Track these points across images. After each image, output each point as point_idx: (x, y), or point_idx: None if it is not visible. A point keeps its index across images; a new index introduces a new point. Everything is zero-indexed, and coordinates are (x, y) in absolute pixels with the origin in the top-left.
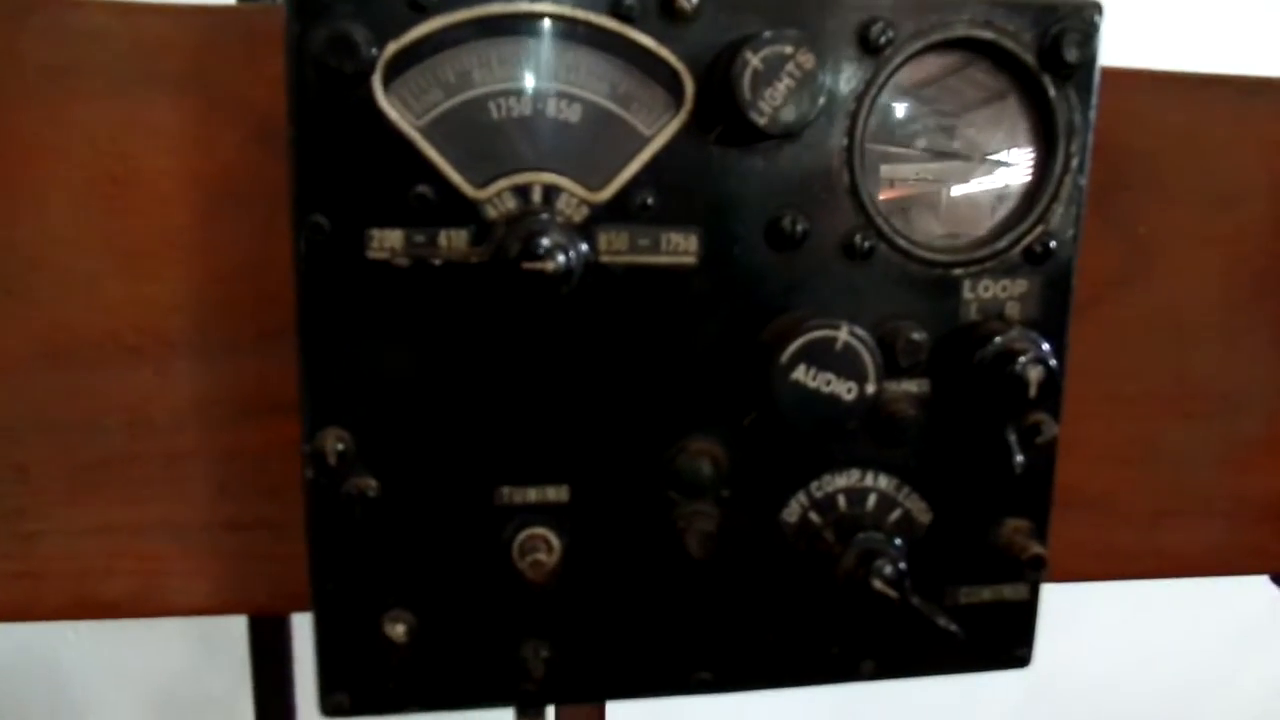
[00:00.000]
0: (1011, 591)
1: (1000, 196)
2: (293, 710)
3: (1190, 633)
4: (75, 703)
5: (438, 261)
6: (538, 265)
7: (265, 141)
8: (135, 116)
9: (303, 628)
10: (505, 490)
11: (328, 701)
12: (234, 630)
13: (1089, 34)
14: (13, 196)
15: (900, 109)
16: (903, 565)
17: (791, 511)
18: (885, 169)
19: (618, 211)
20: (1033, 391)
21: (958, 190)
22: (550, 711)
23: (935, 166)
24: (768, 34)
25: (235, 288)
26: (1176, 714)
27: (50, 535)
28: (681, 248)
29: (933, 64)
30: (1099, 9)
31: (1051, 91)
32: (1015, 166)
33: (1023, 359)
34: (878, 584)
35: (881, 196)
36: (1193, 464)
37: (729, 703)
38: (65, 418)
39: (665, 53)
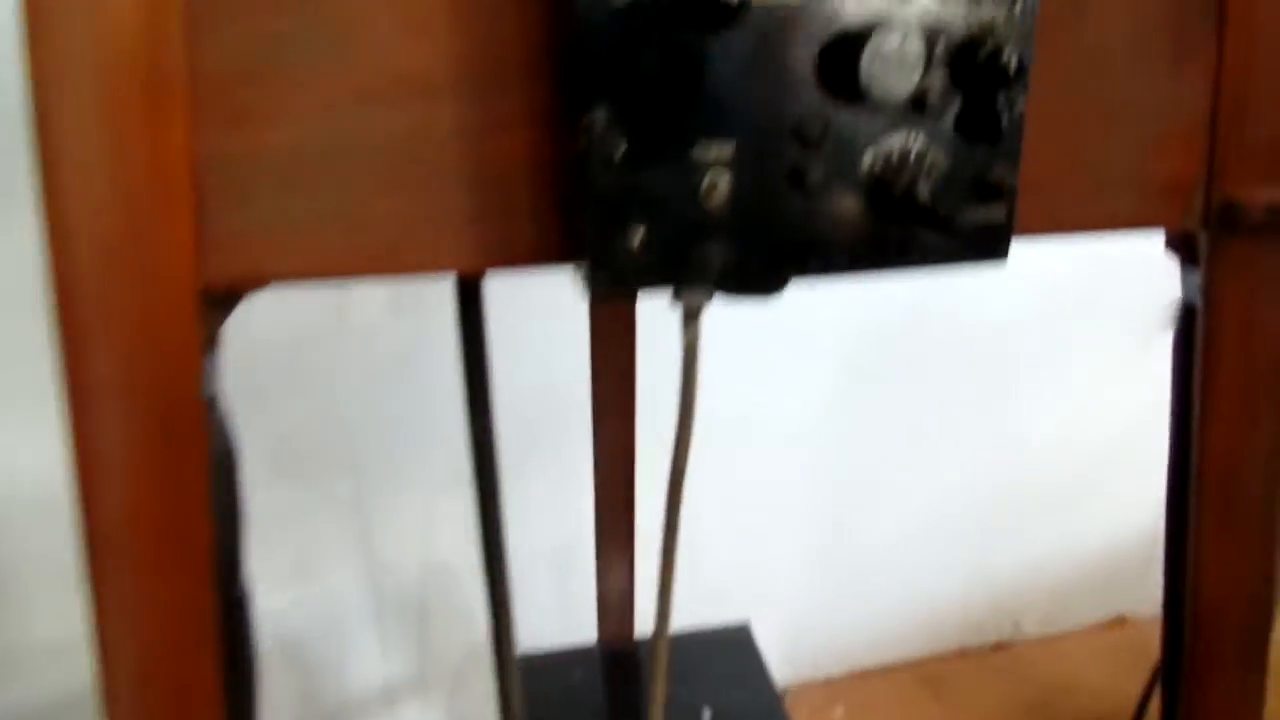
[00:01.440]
0: (995, 212)
1: None
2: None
3: (1132, 390)
4: None
5: None
6: None
7: None
8: None
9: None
10: (696, 148)
11: (591, 280)
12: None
13: None
14: None
15: None
16: (935, 186)
17: (865, 160)
18: None
19: None
20: (1012, 72)
21: None
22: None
23: None
24: None
25: (490, 41)
26: (1124, 457)
27: (361, 221)
28: None
29: None
30: None
31: None
32: None
33: (1007, 50)
34: (922, 194)
35: None
36: (1112, 156)
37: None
38: (371, 141)
39: None
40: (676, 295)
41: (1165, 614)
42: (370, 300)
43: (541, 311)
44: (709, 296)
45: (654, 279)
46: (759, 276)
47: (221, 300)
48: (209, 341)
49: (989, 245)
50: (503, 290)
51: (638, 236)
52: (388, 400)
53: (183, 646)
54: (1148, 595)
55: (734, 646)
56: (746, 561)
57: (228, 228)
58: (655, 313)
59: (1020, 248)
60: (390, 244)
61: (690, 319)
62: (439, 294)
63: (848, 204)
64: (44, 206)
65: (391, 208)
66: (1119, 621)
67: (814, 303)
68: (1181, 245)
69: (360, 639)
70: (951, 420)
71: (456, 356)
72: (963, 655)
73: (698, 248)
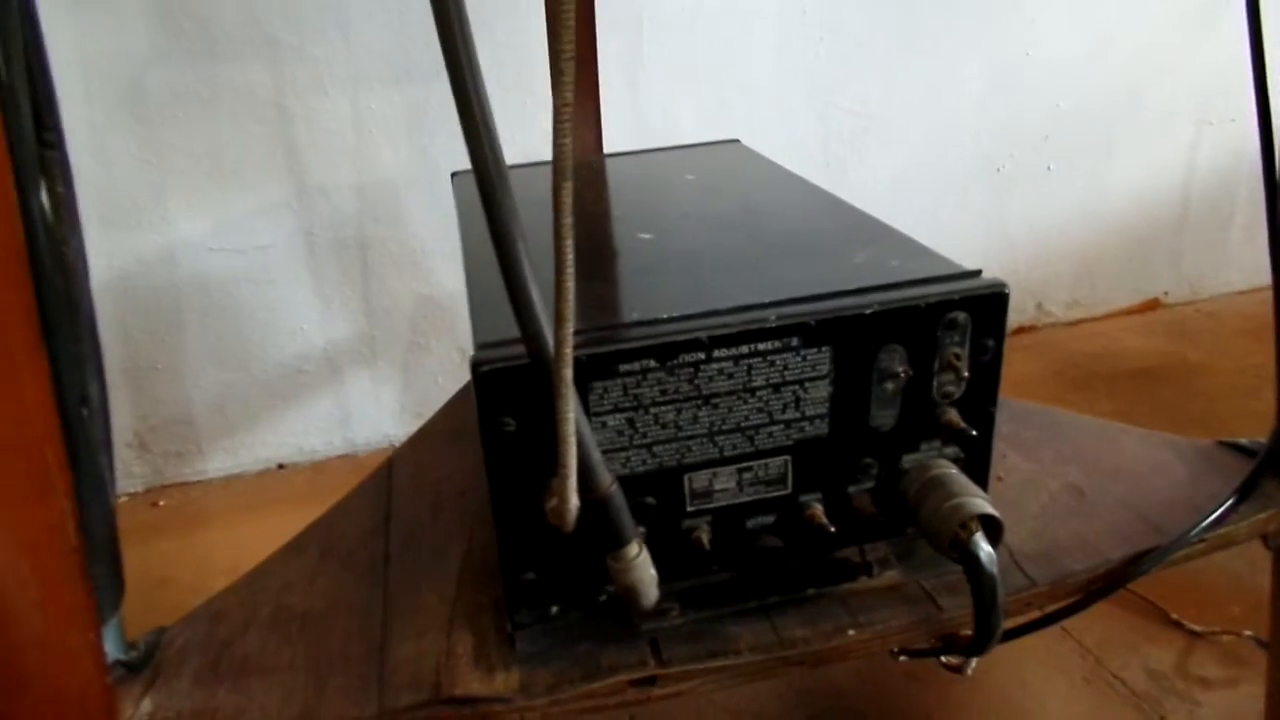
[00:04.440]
0: None
1: None
2: None
3: (1142, 17)
4: None
5: None
6: None
7: None
8: None
9: None
10: None
11: None
12: None
13: None
14: None
15: None
16: None
17: None
18: None
19: None
20: None
21: None
22: None
23: None
24: None
25: None
26: (1132, 89)
27: None
28: None
29: None
30: None
31: None
32: None
33: None
34: None
35: None
36: None
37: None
38: None
39: None
40: None
41: None
42: None
43: None
44: None
45: None
46: None
47: None
48: None
49: None
50: None
51: None
52: None
53: None
54: (1182, 276)
55: (730, 149)
56: None
57: None
58: None
59: None
60: None
61: None
62: None
63: None
64: None
65: None
66: (1151, 305)
67: None
68: None
69: (296, 285)
70: (966, 38)
71: None
72: None
73: None
